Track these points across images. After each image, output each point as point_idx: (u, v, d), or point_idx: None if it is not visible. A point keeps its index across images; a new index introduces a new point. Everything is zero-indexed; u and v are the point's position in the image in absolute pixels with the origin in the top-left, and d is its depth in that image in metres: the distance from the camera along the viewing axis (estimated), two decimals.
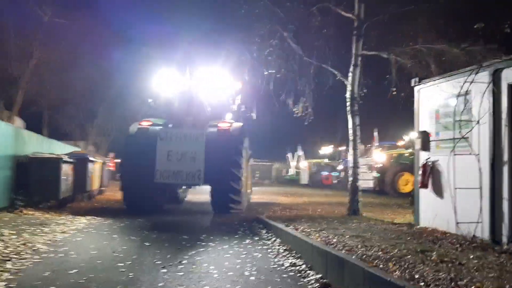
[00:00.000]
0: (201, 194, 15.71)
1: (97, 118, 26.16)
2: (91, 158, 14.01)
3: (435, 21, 10.20)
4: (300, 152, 38.26)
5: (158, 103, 12.47)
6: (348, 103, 9.62)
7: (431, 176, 7.50)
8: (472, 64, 8.86)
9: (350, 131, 9.78)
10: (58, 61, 20.58)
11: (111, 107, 26.05)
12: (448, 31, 10.36)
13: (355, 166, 9.90)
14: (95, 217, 9.75)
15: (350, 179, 9.90)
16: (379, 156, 22.27)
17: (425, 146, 7.73)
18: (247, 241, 7.43)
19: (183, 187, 13.68)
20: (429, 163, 7.54)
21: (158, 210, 10.99)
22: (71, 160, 12.33)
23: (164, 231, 8.22)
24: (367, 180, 22.24)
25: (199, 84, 12.13)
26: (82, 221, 8.93)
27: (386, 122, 44.02)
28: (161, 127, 10.91)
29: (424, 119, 7.83)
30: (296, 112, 11.22)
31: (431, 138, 7.66)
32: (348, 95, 9.60)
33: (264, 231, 8.35)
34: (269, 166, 43.58)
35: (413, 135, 25.03)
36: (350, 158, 26.35)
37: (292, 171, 38.85)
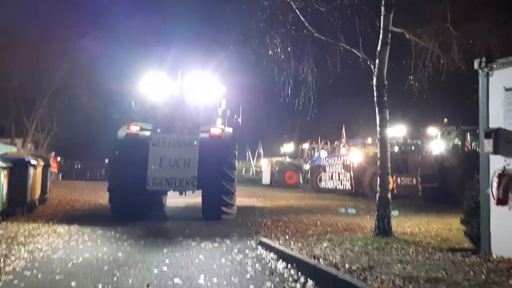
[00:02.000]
0: (178, 197, 13.42)
1: (37, 111, 22.65)
2: (32, 161, 11.22)
3: None
4: (260, 150, 36.24)
5: (144, 107, 12.04)
6: (375, 93, 7.56)
7: None
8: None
9: (378, 129, 7.71)
10: None
11: (54, 98, 22.70)
12: (484, 10, 8.59)
13: (385, 173, 7.85)
14: (40, 245, 7.14)
15: (379, 189, 7.82)
16: (356, 155, 20.55)
17: (501, 149, 5.80)
18: (268, 284, 5.19)
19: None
20: (510, 172, 5.63)
21: (144, 217, 10.21)
22: (6, 164, 9.60)
23: (142, 270, 5.80)
24: (343, 181, 20.57)
25: (188, 87, 11.88)
26: (21, 255, 6.29)
27: (350, 117, 43.19)
28: (150, 132, 10.54)
29: (497, 113, 5.89)
30: (296, 103, 9.08)
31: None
32: (375, 82, 7.54)
33: (280, 266, 6.09)
34: None
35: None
36: (323, 155, 24.69)
37: (252, 170, 36.85)
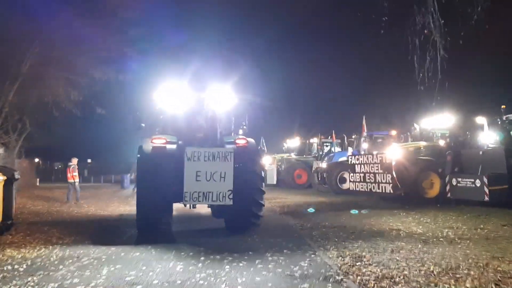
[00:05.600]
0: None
1: (3, 109, 18.27)
2: None
3: None
4: (263, 146, 32.43)
5: (160, 118, 12.14)
6: None
7: None
8: None
9: None
10: None
11: (23, 92, 18.50)
12: None
13: None
14: None
15: None
16: (396, 152, 16.98)
17: None
18: None
19: None
20: None
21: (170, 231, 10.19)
22: None
23: None
24: (380, 183, 16.95)
25: (207, 97, 11.70)
26: None
27: (356, 108, 39.81)
28: (175, 145, 10.35)
29: None
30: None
31: None
32: None
33: None
34: None
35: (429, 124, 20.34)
36: (349, 151, 21.17)
37: None
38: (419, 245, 8.27)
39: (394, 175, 16.11)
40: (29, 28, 16.70)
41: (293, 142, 32.54)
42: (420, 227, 10.72)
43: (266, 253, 7.77)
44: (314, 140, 30.06)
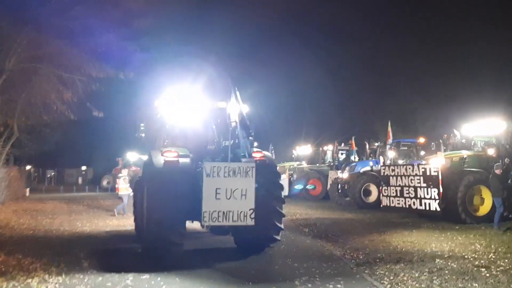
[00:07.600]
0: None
1: None
2: None
3: None
4: (272, 154, 30.12)
5: (169, 129, 11.22)
6: None
7: None
8: None
9: None
10: None
11: (8, 92, 16.11)
12: None
13: None
14: None
15: None
16: (441, 163, 14.68)
17: None
18: None
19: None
20: None
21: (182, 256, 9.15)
22: None
23: None
24: (426, 200, 14.54)
25: (232, 107, 10.58)
26: None
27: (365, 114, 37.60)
28: (188, 159, 9.58)
29: None
30: None
31: None
32: None
33: None
34: None
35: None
36: (380, 161, 18.75)
37: None
38: None
39: (441, 190, 13.82)
40: (15, 17, 14.45)
41: (304, 150, 30.28)
42: (506, 260, 8.43)
43: None
44: (329, 148, 27.80)
